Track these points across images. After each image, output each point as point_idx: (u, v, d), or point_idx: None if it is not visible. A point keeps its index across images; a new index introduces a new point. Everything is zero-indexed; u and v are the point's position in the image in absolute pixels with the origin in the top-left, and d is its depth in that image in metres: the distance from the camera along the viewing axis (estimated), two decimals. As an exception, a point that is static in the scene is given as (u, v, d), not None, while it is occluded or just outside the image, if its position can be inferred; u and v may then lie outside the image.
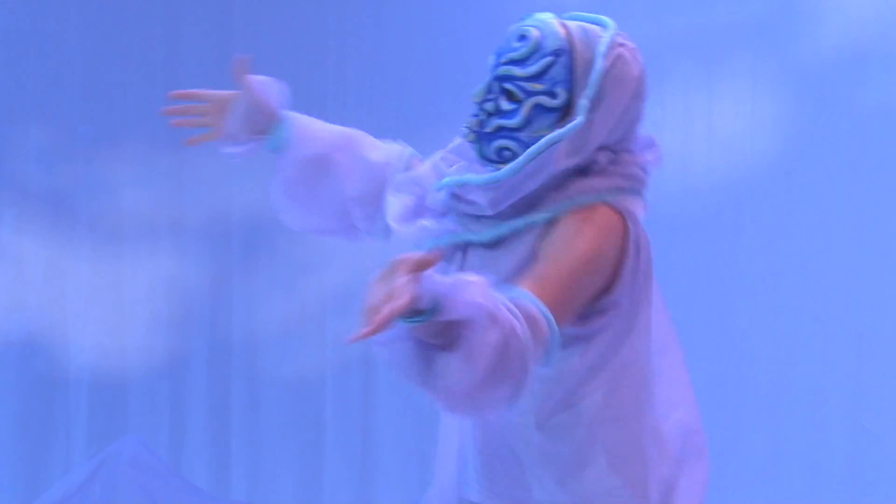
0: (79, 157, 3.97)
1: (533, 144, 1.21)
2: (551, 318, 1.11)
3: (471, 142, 1.28)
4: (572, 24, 1.26)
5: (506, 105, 1.25)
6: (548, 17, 1.27)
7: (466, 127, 1.28)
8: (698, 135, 3.28)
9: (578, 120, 1.21)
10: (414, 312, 0.97)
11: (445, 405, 1.09)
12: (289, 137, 1.42)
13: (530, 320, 1.07)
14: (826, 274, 3.09)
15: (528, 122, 1.24)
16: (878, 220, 3.06)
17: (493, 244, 1.25)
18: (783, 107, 3.21)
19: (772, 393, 3.14)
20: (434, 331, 1.01)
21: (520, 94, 1.24)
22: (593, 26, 1.26)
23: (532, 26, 1.26)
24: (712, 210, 3.27)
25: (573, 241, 1.19)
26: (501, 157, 1.24)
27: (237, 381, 3.95)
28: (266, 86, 1.43)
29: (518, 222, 1.23)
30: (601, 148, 1.23)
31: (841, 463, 3.05)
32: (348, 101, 3.68)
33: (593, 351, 1.22)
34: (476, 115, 1.27)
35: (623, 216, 1.23)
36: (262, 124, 1.41)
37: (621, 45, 1.25)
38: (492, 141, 1.25)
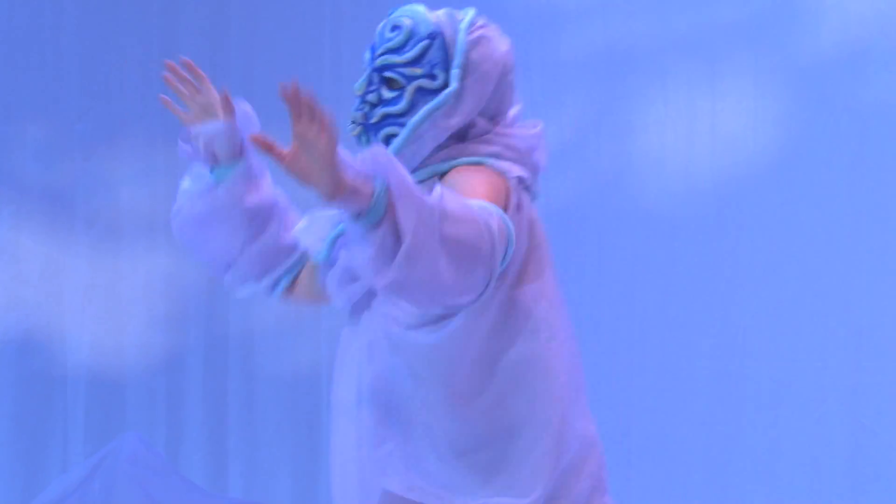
0: (76, 155, 3.97)
1: None
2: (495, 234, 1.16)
3: (356, 136, 1.32)
4: (439, 11, 1.33)
5: (388, 94, 1.30)
6: (416, 7, 1.35)
7: (352, 122, 1.31)
8: (701, 132, 3.28)
9: (452, 86, 1.28)
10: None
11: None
12: (237, 178, 1.37)
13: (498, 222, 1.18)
14: (827, 270, 3.09)
15: (412, 106, 1.28)
16: (879, 217, 3.05)
17: None
18: (784, 104, 3.21)
19: (772, 390, 3.14)
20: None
21: (401, 81, 1.29)
22: (457, 12, 1.34)
23: (403, 16, 1.32)
24: (714, 207, 3.27)
25: (468, 184, 1.23)
26: (390, 144, 1.28)
27: (234, 378, 3.95)
28: (247, 120, 1.39)
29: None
30: (480, 115, 1.30)
31: (841, 460, 3.05)
32: (341, 97, 3.67)
33: (476, 319, 1.24)
34: (360, 109, 1.31)
35: (505, 178, 1.27)
36: (225, 150, 1.37)
37: (482, 25, 1.33)
38: (378, 130, 1.29)
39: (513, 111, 1.35)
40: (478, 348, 1.25)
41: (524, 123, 1.36)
